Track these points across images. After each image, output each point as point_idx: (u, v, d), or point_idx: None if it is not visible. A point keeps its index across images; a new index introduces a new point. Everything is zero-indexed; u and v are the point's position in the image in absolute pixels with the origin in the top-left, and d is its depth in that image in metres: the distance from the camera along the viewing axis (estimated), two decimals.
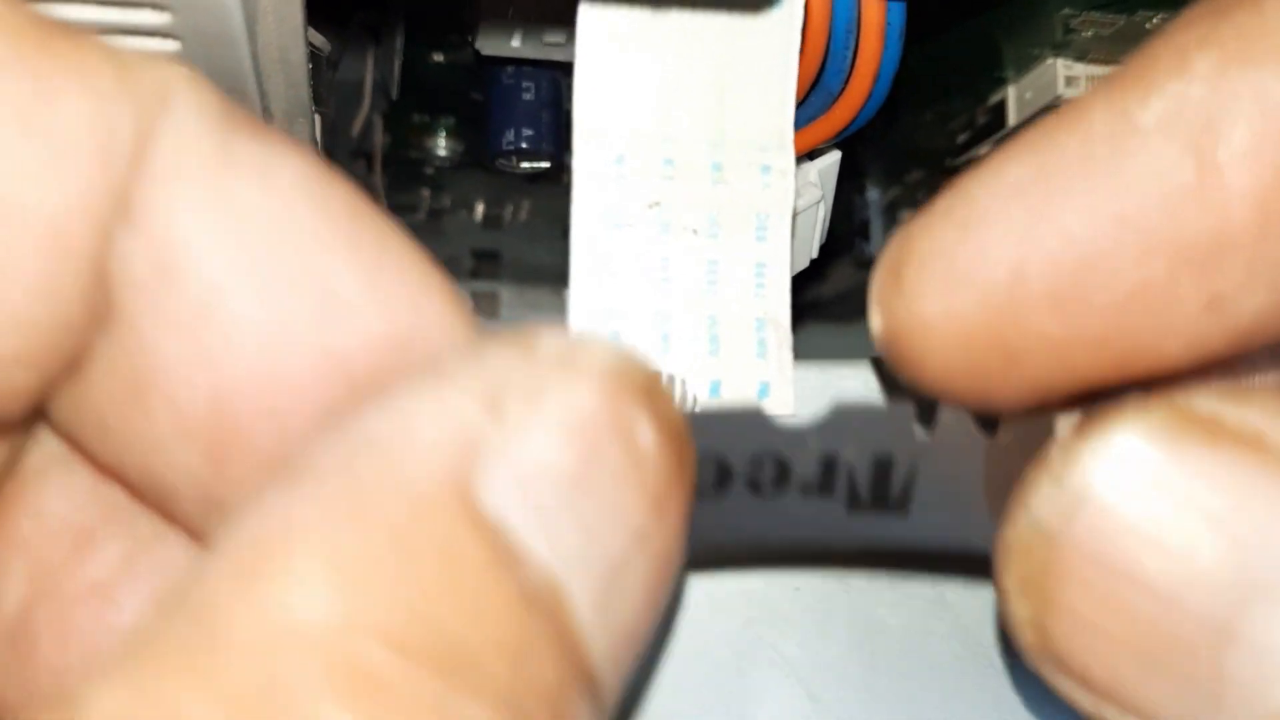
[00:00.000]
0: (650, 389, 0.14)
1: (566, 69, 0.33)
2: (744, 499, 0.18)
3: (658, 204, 0.21)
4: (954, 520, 0.18)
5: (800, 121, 0.24)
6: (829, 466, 0.18)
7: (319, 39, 0.28)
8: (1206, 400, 0.15)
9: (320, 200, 0.15)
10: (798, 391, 0.21)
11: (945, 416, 0.18)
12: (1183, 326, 0.15)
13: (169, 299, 0.14)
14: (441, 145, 0.37)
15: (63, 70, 0.13)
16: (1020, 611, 0.15)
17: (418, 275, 0.15)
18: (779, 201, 0.22)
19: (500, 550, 0.13)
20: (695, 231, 0.21)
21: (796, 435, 0.18)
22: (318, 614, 0.12)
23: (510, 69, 0.34)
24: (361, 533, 0.12)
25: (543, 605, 0.13)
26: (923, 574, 0.21)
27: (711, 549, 0.18)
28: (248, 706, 0.11)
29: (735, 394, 0.21)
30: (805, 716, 0.21)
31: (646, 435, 0.14)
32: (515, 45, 0.32)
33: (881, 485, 0.18)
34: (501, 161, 0.35)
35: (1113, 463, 0.15)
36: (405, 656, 0.12)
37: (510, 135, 0.34)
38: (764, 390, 0.21)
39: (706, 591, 0.21)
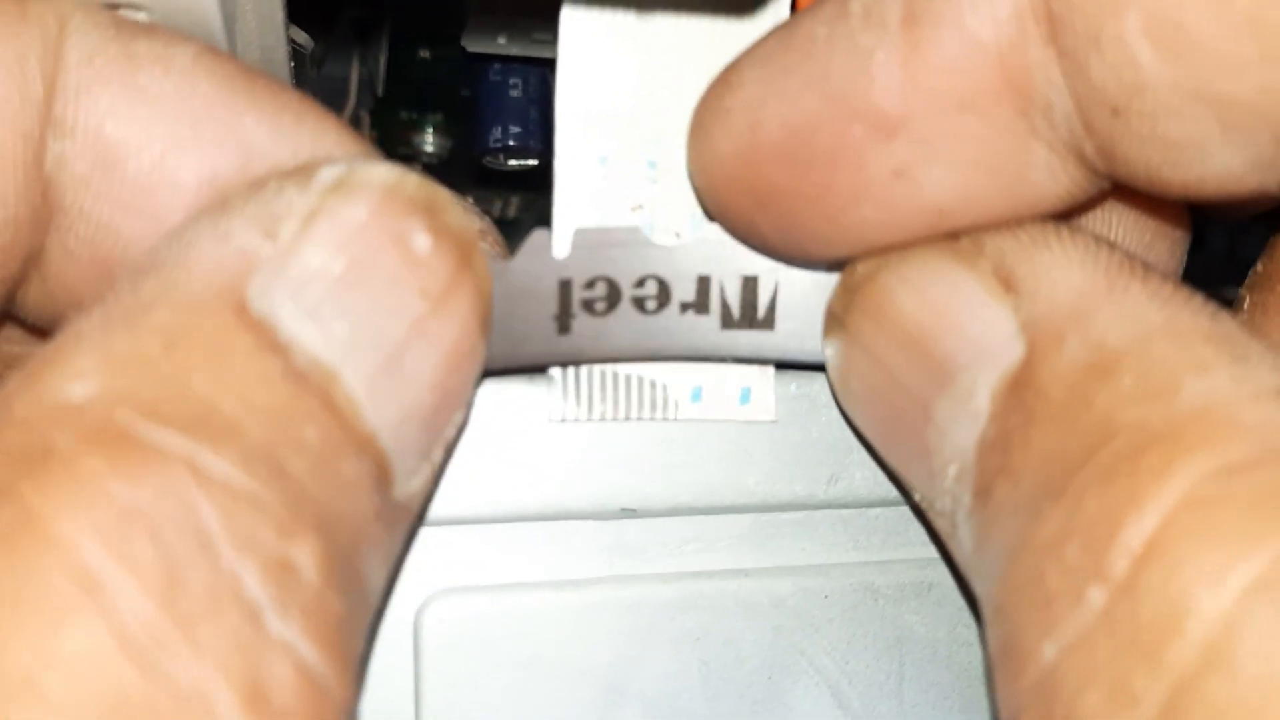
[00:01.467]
0: (428, 202, 0.16)
1: (554, 66, 0.33)
2: (630, 316, 0.20)
3: (641, 206, 0.21)
4: (814, 335, 0.20)
5: None
6: (704, 286, 0.20)
7: (302, 36, 0.28)
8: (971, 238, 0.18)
9: (216, 71, 0.17)
10: (779, 395, 0.21)
11: None
12: (876, 191, 0.17)
13: (114, 185, 0.16)
14: (429, 141, 0.37)
15: None
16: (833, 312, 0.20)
17: (312, 114, 0.17)
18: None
19: (267, 341, 0.15)
20: (679, 234, 0.20)
21: (675, 257, 0.20)
22: (83, 394, 0.14)
23: (498, 65, 0.34)
24: (134, 333, 0.15)
25: (311, 382, 0.15)
26: (949, 581, 0.22)
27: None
28: (21, 461, 0.13)
29: (717, 399, 0.21)
30: None
31: (422, 241, 0.16)
32: (502, 42, 0.32)
33: (750, 304, 0.20)
34: (489, 159, 0.34)
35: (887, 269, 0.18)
36: (158, 420, 0.14)
37: (498, 132, 0.34)
38: (745, 395, 0.21)
39: (736, 599, 0.21)
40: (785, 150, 0.18)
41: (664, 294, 0.20)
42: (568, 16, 0.20)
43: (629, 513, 0.21)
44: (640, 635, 0.21)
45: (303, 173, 0.16)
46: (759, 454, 0.21)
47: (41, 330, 0.18)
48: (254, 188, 0.16)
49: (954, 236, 0.18)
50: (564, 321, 0.20)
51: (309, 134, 0.17)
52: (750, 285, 0.20)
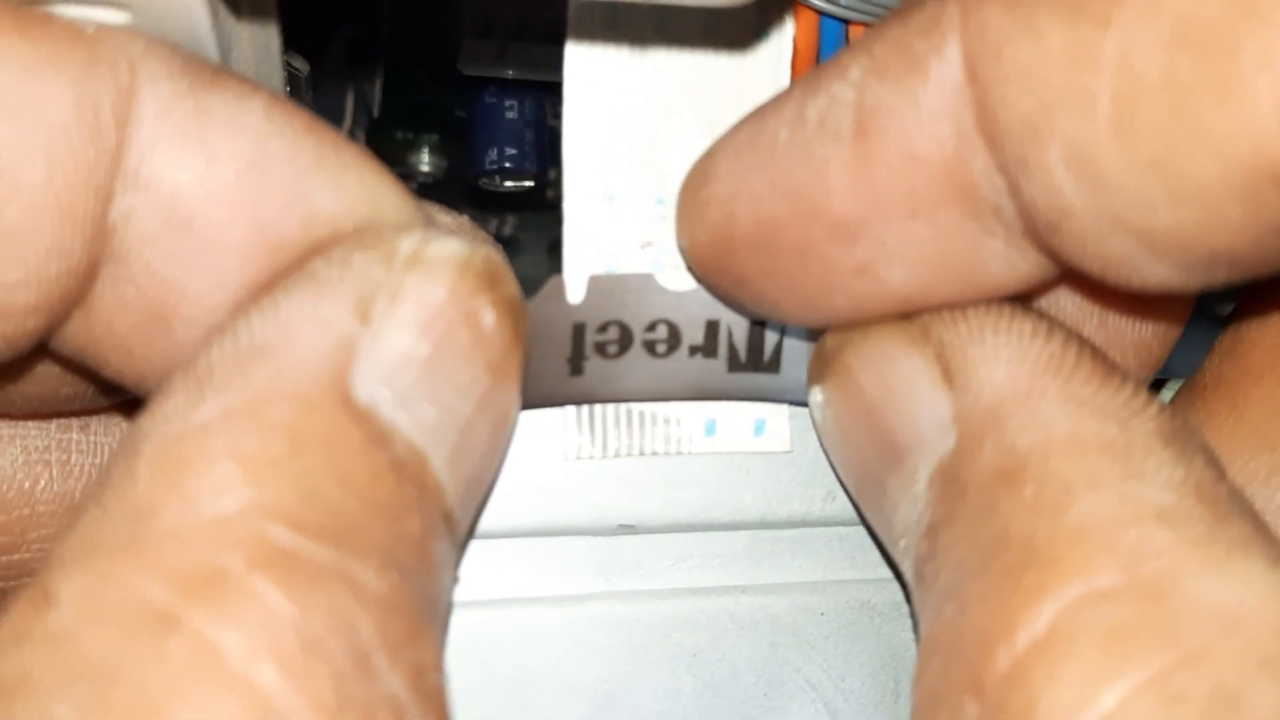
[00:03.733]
0: (491, 274, 0.17)
1: (550, 88, 0.33)
2: (642, 359, 0.21)
3: (650, 244, 0.21)
4: None
5: None
6: (712, 330, 0.21)
7: (298, 61, 0.28)
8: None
9: (286, 128, 0.17)
10: (793, 428, 0.21)
11: None
12: (841, 285, 0.18)
13: (177, 242, 0.16)
14: (424, 162, 0.37)
15: (43, 60, 0.15)
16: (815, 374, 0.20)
17: (371, 171, 0.18)
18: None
19: (373, 433, 0.15)
20: (689, 280, 0.21)
21: (685, 302, 0.21)
22: (232, 506, 0.14)
23: (493, 87, 0.34)
24: (260, 433, 0.15)
25: (409, 471, 0.16)
26: None
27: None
28: (191, 586, 0.13)
29: (731, 432, 0.21)
30: None
31: (488, 316, 0.17)
32: (498, 65, 0.32)
33: (756, 348, 0.21)
34: (485, 180, 0.35)
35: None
36: (305, 533, 0.14)
37: (493, 154, 0.34)
38: (760, 426, 0.21)
39: (732, 616, 0.21)
40: (756, 244, 0.18)
41: (674, 338, 0.21)
42: (572, 54, 0.20)
43: (626, 529, 0.21)
44: (636, 652, 0.21)
45: (383, 245, 0.17)
46: (756, 471, 0.21)
47: (67, 361, 0.18)
48: (341, 263, 0.16)
49: (908, 317, 0.18)
50: (577, 364, 0.20)
51: (369, 193, 0.17)
52: (757, 331, 0.21)
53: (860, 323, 0.19)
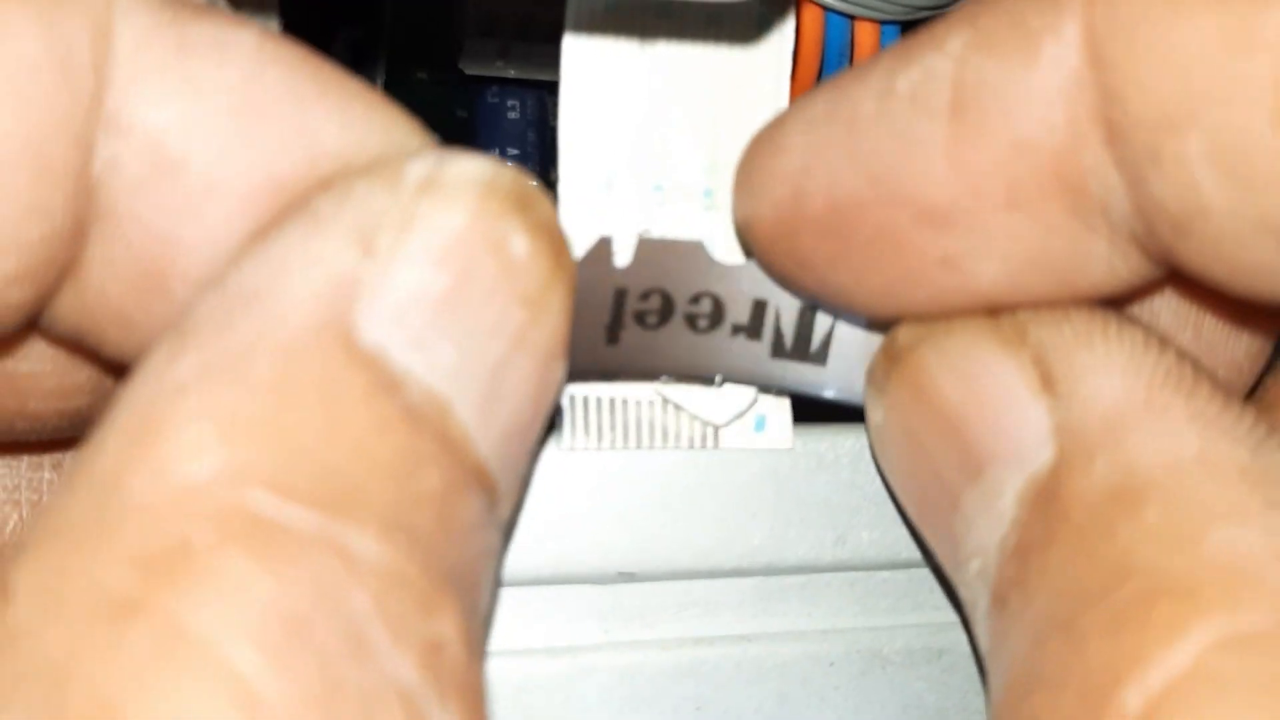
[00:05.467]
0: (521, 197, 0.15)
1: (552, 87, 0.32)
2: (680, 332, 0.20)
3: (648, 230, 0.20)
4: (863, 379, 0.20)
5: None
6: (759, 310, 0.20)
7: None
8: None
9: (281, 59, 0.15)
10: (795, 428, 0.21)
11: None
12: (922, 277, 0.17)
13: (168, 189, 0.15)
14: None
15: (6, 2, 0.14)
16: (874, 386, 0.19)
17: (380, 106, 0.16)
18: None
19: (380, 379, 0.14)
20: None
21: (734, 277, 0.20)
22: (207, 472, 0.12)
23: (495, 87, 0.34)
24: (243, 389, 0.13)
25: (427, 420, 0.14)
26: (961, 647, 0.21)
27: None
28: (157, 566, 0.12)
29: (732, 429, 0.21)
30: None
31: (519, 243, 0.15)
32: (500, 64, 0.32)
33: (804, 336, 0.20)
34: None
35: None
36: (290, 498, 0.13)
37: (495, 154, 0.34)
38: (760, 423, 0.21)
39: (738, 665, 0.21)
40: (829, 224, 0.17)
41: (717, 313, 0.20)
42: (570, 42, 0.20)
43: (627, 576, 0.20)
44: (638, 704, 0.20)
45: (389, 171, 0.15)
46: (762, 514, 0.20)
47: (66, 341, 0.17)
48: (340, 193, 0.15)
49: (997, 314, 0.17)
50: (614, 332, 0.20)
51: (379, 126, 0.16)
52: (807, 316, 0.20)
53: (938, 317, 0.17)
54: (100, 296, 0.15)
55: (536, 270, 0.15)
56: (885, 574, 0.21)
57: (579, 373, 0.20)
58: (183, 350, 0.13)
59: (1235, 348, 0.18)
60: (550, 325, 0.16)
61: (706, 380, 0.20)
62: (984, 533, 0.16)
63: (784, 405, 0.21)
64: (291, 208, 0.15)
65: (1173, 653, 0.13)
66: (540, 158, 0.34)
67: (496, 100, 0.34)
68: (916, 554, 0.21)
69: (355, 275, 0.14)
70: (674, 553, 0.20)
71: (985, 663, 0.17)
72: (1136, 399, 0.15)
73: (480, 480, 0.15)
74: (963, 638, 0.21)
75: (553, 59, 0.21)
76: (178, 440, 0.13)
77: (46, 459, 0.20)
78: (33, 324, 0.16)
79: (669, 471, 0.20)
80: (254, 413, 0.13)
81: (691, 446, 0.20)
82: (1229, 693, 0.13)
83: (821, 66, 0.24)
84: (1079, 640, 0.14)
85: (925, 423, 0.17)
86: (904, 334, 0.18)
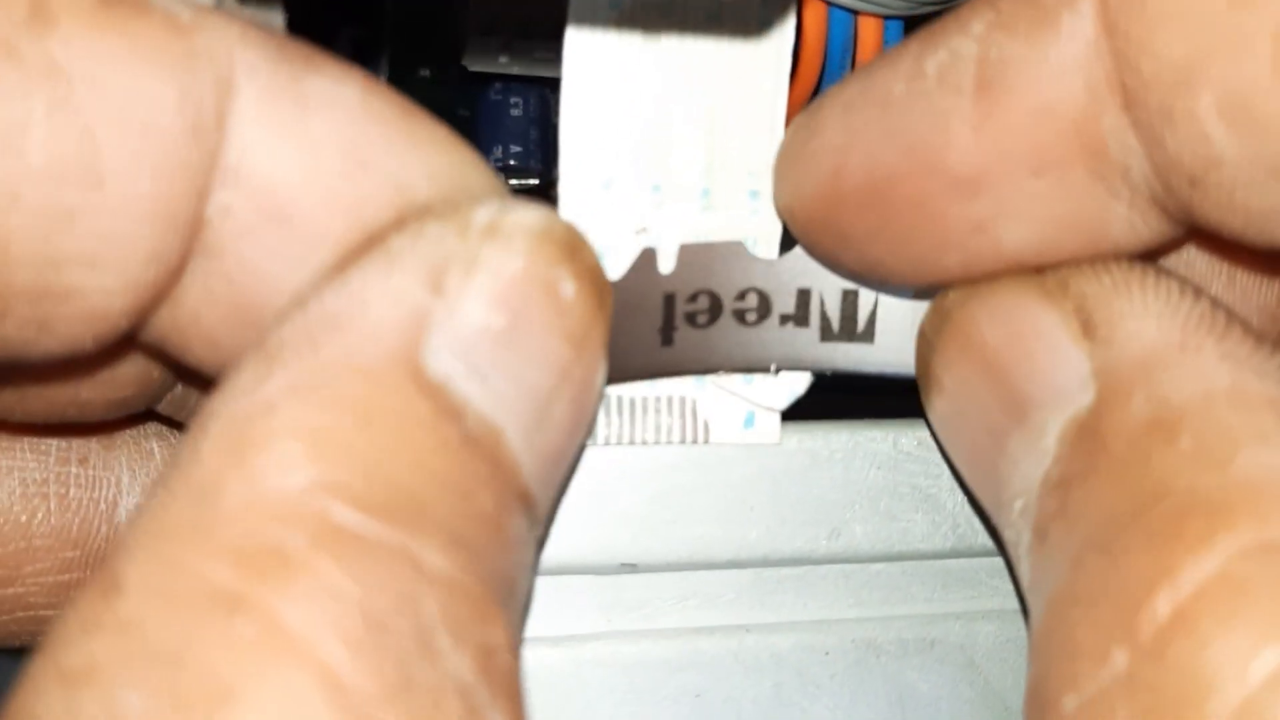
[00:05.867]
0: (571, 244, 0.17)
1: (554, 85, 0.32)
2: (731, 328, 0.21)
3: (645, 230, 0.21)
4: (912, 350, 0.21)
5: None
6: (804, 299, 0.21)
7: None
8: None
9: (381, 111, 0.16)
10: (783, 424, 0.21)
11: None
12: (956, 243, 0.18)
13: (274, 235, 0.16)
14: None
15: (144, 59, 0.15)
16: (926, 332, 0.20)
17: (459, 152, 0.17)
18: (766, 226, 0.22)
19: (444, 407, 0.15)
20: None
21: (776, 270, 0.20)
22: (297, 485, 0.14)
23: (498, 85, 0.34)
24: (327, 409, 0.14)
25: (482, 446, 0.15)
26: (952, 637, 0.22)
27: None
28: (255, 565, 0.13)
29: (722, 424, 0.21)
30: None
31: (568, 287, 0.16)
32: (503, 61, 0.32)
33: (849, 317, 0.21)
34: None
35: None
36: (368, 511, 0.14)
37: (498, 152, 0.34)
38: (750, 419, 0.21)
39: (736, 655, 0.21)
40: (867, 198, 0.18)
41: (764, 306, 0.21)
42: (571, 40, 0.20)
43: (628, 568, 0.21)
44: (639, 693, 0.21)
45: (458, 216, 0.16)
46: (759, 509, 0.21)
47: (145, 346, 0.18)
48: (414, 234, 0.16)
49: (1041, 270, 0.18)
50: (667, 334, 0.20)
51: (458, 172, 0.17)
52: (850, 299, 0.21)
53: (979, 280, 0.18)
54: (192, 319, 0.17)
55: (581, 311, 0.17)
56: (879, 566, 0.21)
57: (639, 374, 0.20)
58: (269, 371, 0.15)
59: (1268, 294, 0.19)
60: (590, 361, 0.17)
61: (763, 370, 0.21)
62: (1028, 471, 0.17)
63: (774, 400, 0.21)
64: (368, 242, 0.16)
65: (1201, 562, 0.14)
66: (543, 155, 0.34)
67: (499, 98, 0.34)
68: (909, 547, 0.21)
69: (426, 311, 0.15)
70: (674, 545, 0.21)
71: (1026, 599, 0.17)
72: (1172, 341, 0.16)
73: (524, 501, 0.16)
74: (955, 628, 0.22)
75: (555, 56, 0.21)
76: (271, 454, 0.14)
77: (73, 454, 0.21)
78: (129, 340, 0.17)
79: (668, 467, 0.21)
80: (336, 432, 0.14)
81: (683, 442, 0.21)
82: (1253, 595, 0.14)
83: (825, 62, 0.24)
84: (1115, 556, 0.15)
85: (973, 372, 0.18)
86: (953, 293, 0.19)
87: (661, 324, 0.20)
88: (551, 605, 0.20)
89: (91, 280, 0.15)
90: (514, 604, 0.16)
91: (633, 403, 0.21)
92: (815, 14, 0.24)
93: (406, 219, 0.16)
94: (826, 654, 0.21)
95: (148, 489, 0.15)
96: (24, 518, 0.21)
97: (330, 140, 0.16)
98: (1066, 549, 0.16)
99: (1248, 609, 0.14)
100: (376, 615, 0.13)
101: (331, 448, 0.14)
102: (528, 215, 0.16)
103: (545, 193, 0.35)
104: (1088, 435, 0.16)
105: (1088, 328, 0.17)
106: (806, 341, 0.21)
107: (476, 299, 0.16)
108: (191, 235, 0.16)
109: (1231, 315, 0.17)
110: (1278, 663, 0.13)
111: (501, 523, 0.15)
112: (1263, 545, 0.14)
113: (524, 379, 0.16)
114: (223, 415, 0.15)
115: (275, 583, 0.13)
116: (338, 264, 0.16)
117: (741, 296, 0.20)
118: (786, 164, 0.20)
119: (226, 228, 0.16)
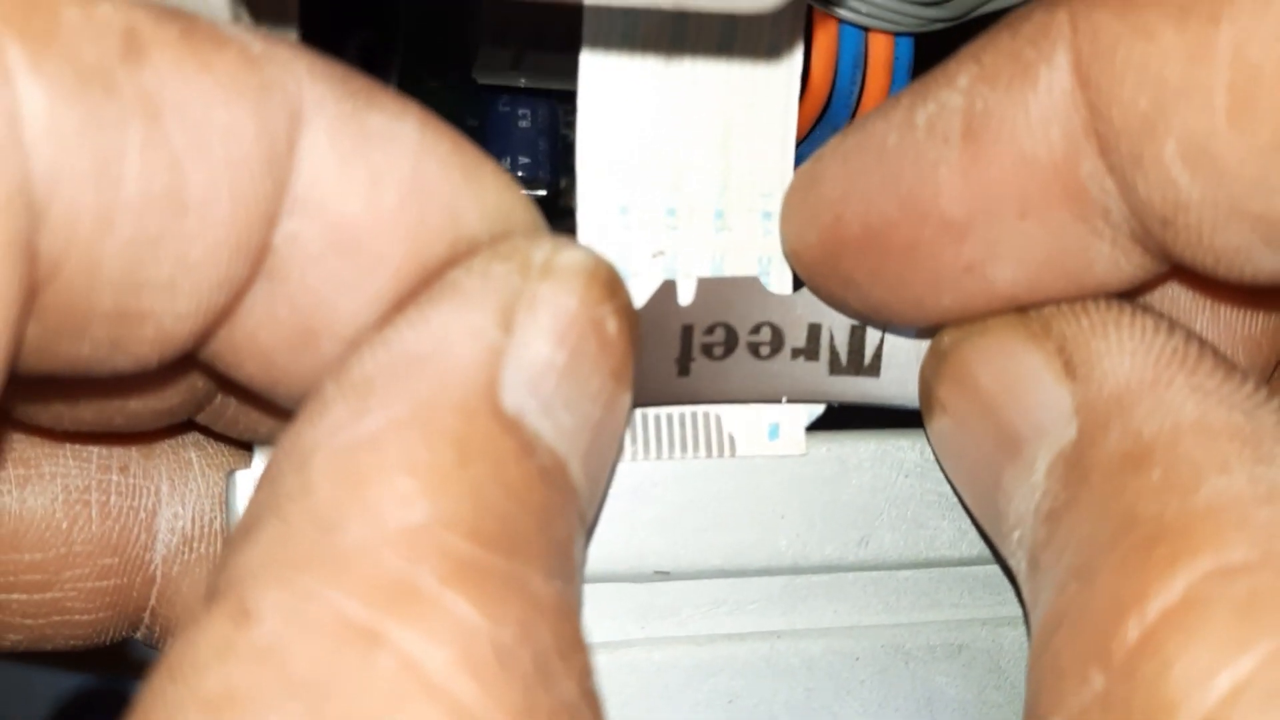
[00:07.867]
0: (613, 283, 0.18)
1: (563, 96, 0.33)
2: (746, 360, 0.21)
3: (662, 253, 0.21)
4: (916, 383, 0.21)
5: (804, 157, 0.24)
6: (814, 333, 0.21)
7: None
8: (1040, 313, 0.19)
9: (438, 148, 0.17)
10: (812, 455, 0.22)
11: None
12: (949, 284, 0.18)
13: (338, 264, 0.16)
14: None
15: (224, 90, 0.15)
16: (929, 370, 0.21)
17: (508, 191, 0.18)
18: (778, 248, 0.22)
19: (523, 441, 0.16)
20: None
21: (788, 306, 0.21)
22: (416, 518, 0.14)
23: (507, 96, 0.34)
24: (429, 445, 0.15)
25: (553, 477, 0.16)
26: (980, 643, 0.22)
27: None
28: (388, 599, 0.14)
29: (746, 437, 0.21)
30: None
31: (612, 324, 0.17)
32: (513, 73, 0.32)
33: (857, 351, 0.22)
34: None
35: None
36: (482, 544, 0.15)
37: (506, 163, 0.34)
38: (774, 430, 0.21)
39: (768, 661, 0.21)
40: (866, 244, 0.19)
41: (777, 340, 0.21)
42: (587, 63, 0.21)
43: (662, 575, 0.21)
44: (672, 697, 0.21)
45: (517, 254, 0.17)
46: (790, 516, 0.21)
47: (201, 363, 0.18)
48: (481, 272, 0.17)
49: (1026, 311, 0.19)
50: (684, 364, 0.21)
51: (505, 208, 0.18)
52: (858, 334, 0.21)
53: (974, 320, 0.19)
54: (250, 338, 0.17)
55: (621, 347, 0.18)
56: (907, 573, 0.22)
57: (655, 402, 0.21)
58: (365, 406, 0.15)
59: (1251, 326, 0.20)
60: (627, 393, 0.18)
61: (774, 402, 0.21)
62: (1021, 504, 0.18)
63: (799, 413, 0.22)
64: (432, 279, 0.17)
65: (1166, 587, 0.15)
66: (551, 166, 0.34)
67: (508, 109, 0.34)
68: (937, 554, 0.22)
69: (500, 348, 0.16)
70: (707, 553, 0.21)
71: (1028, 620, 0.18)
72: (1145, 376, 0.17)
73: (584, 525, 0.17)
74: (982, 634, 0.22)
75: (565, 69, 0.21)
76: (386, 489, 0.15)
77: (114, 462, 0.22)
78: (187, 358, 0.17)
79: (699, 477, 0.21)
80: (441, 468, 0.15)
81: (710, 455, 0.21)
82: (1213, 615, 0.14)
83: (835, 78, 0.24)
84: (1093, 583, 0.16)
85: (969, 411, 0.19)
86: (947, 336, 0.20)
87: (679, 354, 0.21)
88: (586, 611, 0.20)
89: (167, 304, 0.15)
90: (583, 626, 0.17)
91: (658, 419, 0.21)
92: (826, 31, 0.24)
93: (459, 252, 0.17)
94: (856, 659, 0.22)
95: (241, 517, 0.15)
96: (65, 524, 0.21)
97: (391, 172, 0.16)
98: (1053, 575, 0.17)
99: (1207, 631, 0.14)
100: (504, 646, 0.14)
101: (440, 482, 0.15)
102: (577, 255, 0.17)
103: (554, 203, 0.35)
104: (1072, 469, 0.17)
105: (1069, 367, 0.18)
106: (816, 374, 0.21)
107: (541, 336, 0.16)
108: (259, 261, 0.16)
109: (1204, 347, 0.17)
110: (1233, 682, 0.14)
111: (572, 548, 0.16)
112: (1221, 570, 0.15)
113: (581, 412, 0.17)
114: (326, 448, 0.15)
115: (409, 619, 0.14)
116: (402, 299, 0.17)
117: (756, 330, 0.21)
118: (791, 212, 0.21)
119: (292, 254, 0.16)
